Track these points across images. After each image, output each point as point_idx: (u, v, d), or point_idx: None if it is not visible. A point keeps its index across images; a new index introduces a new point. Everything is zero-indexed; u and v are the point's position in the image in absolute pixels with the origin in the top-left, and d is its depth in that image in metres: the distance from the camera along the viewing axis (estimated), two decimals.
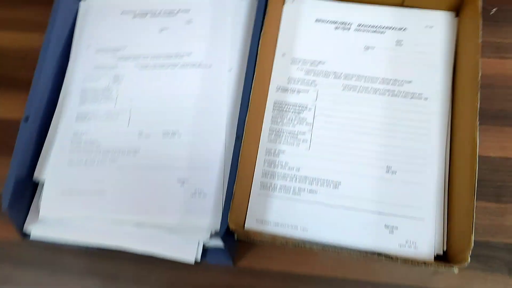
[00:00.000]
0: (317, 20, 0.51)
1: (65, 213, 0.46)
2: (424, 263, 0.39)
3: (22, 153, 0.46)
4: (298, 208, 0.45)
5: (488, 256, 0.44)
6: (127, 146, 0.48)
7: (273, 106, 0.49)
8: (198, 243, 0.44)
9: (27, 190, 0.47)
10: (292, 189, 0.46)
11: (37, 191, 0.48)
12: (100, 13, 0.54)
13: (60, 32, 0.51)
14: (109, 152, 0.48)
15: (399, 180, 0.45)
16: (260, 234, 0.43)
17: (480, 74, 0.42)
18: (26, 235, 0.47)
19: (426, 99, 0.47)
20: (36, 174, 0.48)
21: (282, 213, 0.45)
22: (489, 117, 0.47)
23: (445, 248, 0.43)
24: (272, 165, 0.47)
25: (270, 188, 0.46)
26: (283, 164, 0.47)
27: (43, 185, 0.48)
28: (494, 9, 0.50)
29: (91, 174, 0.47)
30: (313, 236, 0.44)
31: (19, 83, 0.54)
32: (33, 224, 0.46)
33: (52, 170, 0.47)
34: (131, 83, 0.50)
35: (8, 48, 0.57)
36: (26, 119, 0.46)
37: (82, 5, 0.54)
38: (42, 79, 0.48)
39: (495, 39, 0.50)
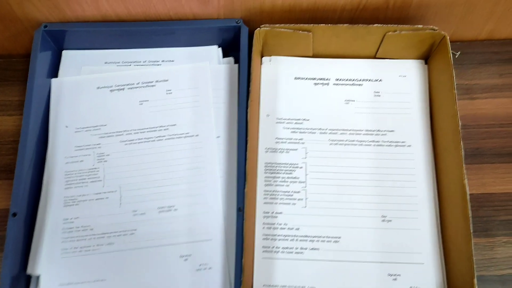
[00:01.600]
0: (296, 78, 0.53)
1: None
2: None
3: (13, 250, 0.44)
4: (302, 267, 0.46)
5: None
6: (122, 227, 0.47)
7: (264, 167, 0.49)
8: None
9: (20, 286, 0.45)
10: (294, 249, 0.47)
11: (31, 285, 0.46)
12: (75, 90, 0.52)
13: (36, 114, 0.49)
14: (104, 236, 0.46)
15: (395, 227, 0.47)
16: None
17: (460, 125, 0.44)
18: None
19: (409, 146, 0.50)
20: (29, 269, 0.45)
21: (287, 275, 0.46)
22: (467, 156, 0.50)
23: None
24: (272, 227, 0.47)
25: (273, 250, 0.47)
26: (282, 225, 0.48)
27: (36, 278, 0.45)
28: (458, 53, 0.53)
29: (88, 263, 0.45)
30: None
31: None
32: None
33: (46, 264, 0.45)
34: (117, 161, 0.49)
35: None
36: (14, 215, 0.44)
37: (53, 82, 0.52)
38: (24, 169, 0.46)
39: (462, 81, 0.53)
